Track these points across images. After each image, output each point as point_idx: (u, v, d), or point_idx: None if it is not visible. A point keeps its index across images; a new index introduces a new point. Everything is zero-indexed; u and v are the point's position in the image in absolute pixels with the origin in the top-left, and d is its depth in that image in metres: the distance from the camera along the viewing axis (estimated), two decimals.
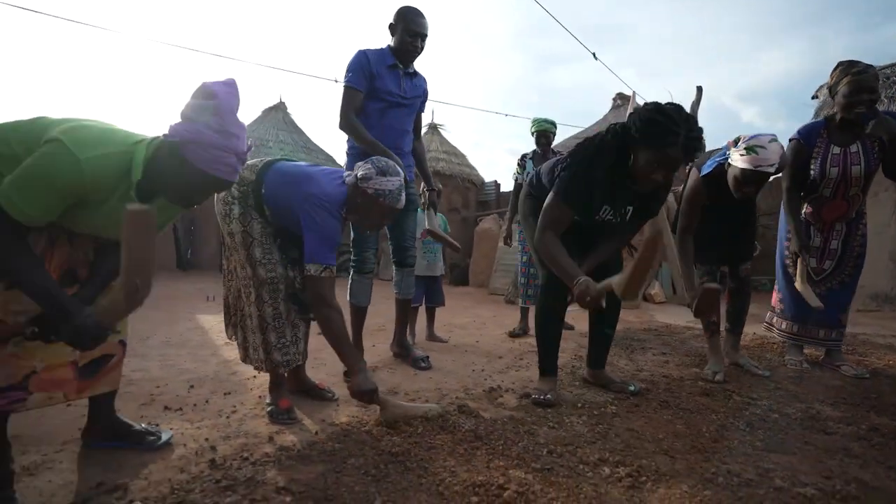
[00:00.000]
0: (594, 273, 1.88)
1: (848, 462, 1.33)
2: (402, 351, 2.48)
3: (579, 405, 1.78)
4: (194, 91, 1.08)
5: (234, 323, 1.80)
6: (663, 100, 1.51)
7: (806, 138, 2.15)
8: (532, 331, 3.24)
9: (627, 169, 1.58)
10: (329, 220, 1.53)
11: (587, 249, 1.88)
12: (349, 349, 1.57)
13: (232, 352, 2.54)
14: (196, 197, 1.14)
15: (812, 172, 2.13)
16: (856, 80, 1.99)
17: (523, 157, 3.26)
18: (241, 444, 1.37)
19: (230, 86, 1.10)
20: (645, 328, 3.46)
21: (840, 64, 2.10)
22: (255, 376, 2.08)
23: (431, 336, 3.10)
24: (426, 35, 2.21)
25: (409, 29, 2.16)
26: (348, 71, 2.14)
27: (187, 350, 2.59)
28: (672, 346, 2.85)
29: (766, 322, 2.46)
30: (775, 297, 2.40)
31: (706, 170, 1.97)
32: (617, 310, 1.97)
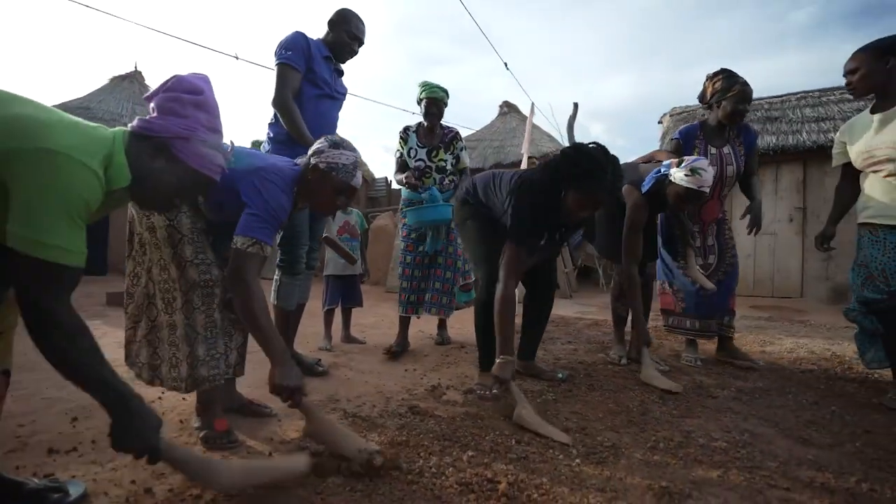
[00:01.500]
0: (526, 276, 2.07)
1: (734, 417, 1.68)
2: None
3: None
4: (167, 84, 1.00)
5: (139, 338, 1.49)
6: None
7: (685, 139, 2.35)
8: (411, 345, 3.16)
9: (559, 202, 1.71)
10: (276, 195, 1.37)
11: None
12: (272, 335, 1.30)
13: None
14: (175, 200, 1.07)
15: None
16: (742, 91, 2.19)
17: (406, 129, 2.72)
18: (183, 481, 1.15)
19: (208, 81, 1.06)
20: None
21: (723, 72, 2.26)
22: (159, 397, 1.75)
23: (348, 338, 2.97)
24: (363, 42, 2.26)
25: (350, 32, 2.19)
26: (286, 49, 2.00)
27: (43, 373, 2.03)
28: (574, 335, 3.21)
29: (668, 325, 2.46)
30: (669, 299, 2.45)
31: (646, 187, 2.15)
32: (550, 304, 2.15)
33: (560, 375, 2.10)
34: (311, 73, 2.04)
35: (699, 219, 2.41)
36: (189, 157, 0.98)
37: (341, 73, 2.27)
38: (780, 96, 5.68)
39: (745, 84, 2.22)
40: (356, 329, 3.30)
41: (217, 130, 1.03)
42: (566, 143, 7.59)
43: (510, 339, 1.71)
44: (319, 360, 2.31)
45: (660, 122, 6.30)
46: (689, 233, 2.35)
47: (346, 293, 2.97)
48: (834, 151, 2.01)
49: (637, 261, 2.18)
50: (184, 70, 1.06)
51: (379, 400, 1.83)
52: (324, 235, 2.41)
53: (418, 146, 2.65)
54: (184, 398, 1.75)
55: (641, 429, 1.55)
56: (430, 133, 2.67)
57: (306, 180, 1.46)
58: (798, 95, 5.70)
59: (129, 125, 0.98)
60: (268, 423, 1.57)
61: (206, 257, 1.39)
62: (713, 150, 2.31)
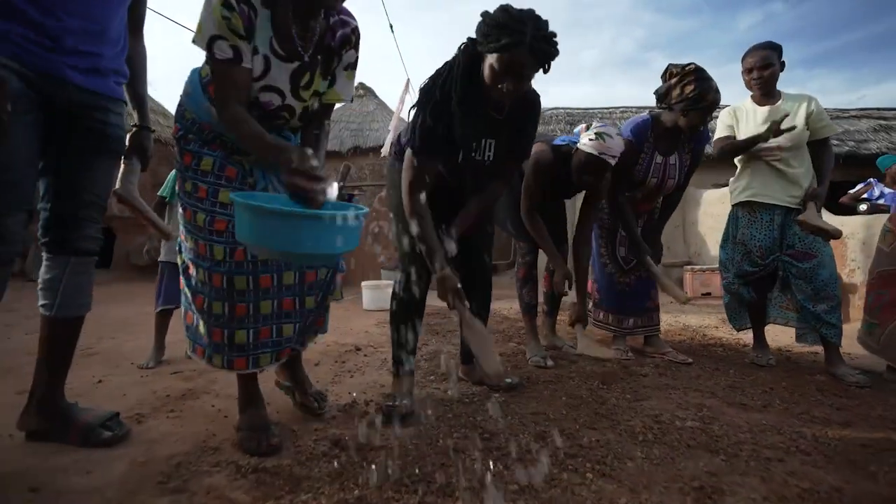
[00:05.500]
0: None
1: (678, 393, 1.66)
2: (55, 422, 1.26)
3: (467, 401, 1.58)
4: None
5: None
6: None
7: (637, 139, 2.02)
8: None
9: (482, 91, 1.33)
10: None
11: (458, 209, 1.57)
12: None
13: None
14: None
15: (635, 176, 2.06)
16: (714, 100, 1.84)
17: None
18: None
19: None
20: (429, 312, 3.55)
21: (696, 72, 1.85)
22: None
23: None
24: None
25: None
26: None
27: None
28: None
29: (593, 321, 2.31)
30: (591, 285, 2.34)
31: (557, 142, 1.98)
32: (489, 292, 1.84)
33: (509, 380, 1.73)
34: None
35: (637, 209, 2.20)
36: None
37: None
38: (608, 108, 6.76)
39: (718, 91, 1.85)
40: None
41: None
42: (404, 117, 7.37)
43: (436, 244, 1.38)
44: (114, 415, 1.31)
45: None
46: (633, 235, 2.09)
47: None
48: (725, 123, 2.10)
49: (536, 213, 2.00)
50: None
51: (283, 438, 1.27)
52: (116, 190, 1.37)
53: (274, 51, 1.12)
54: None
55: (614, 421, 1.40)
56: (302, 21, 1.12)
57: None
58: (621, 109, 6.85)
59: None
60: None
61: None
62: (659, 160, 2.04)
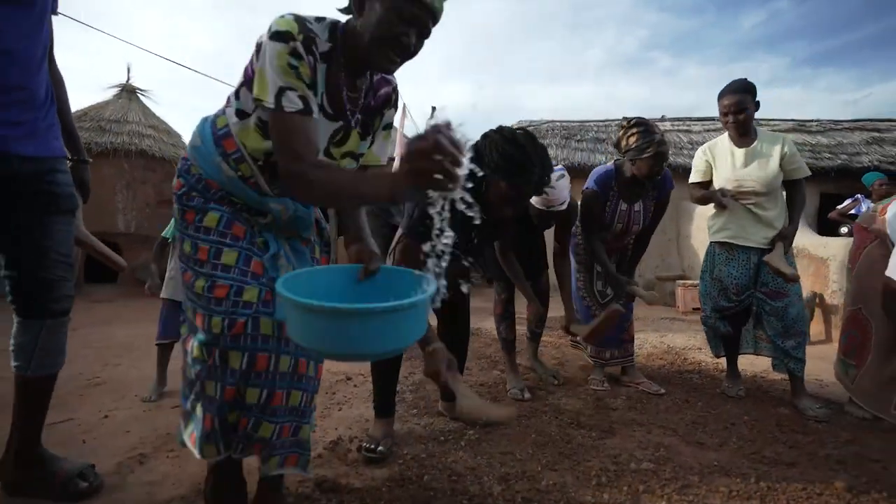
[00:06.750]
0: None
1: (641, 430, 1.78)
2: (34, 473, 1.29)
3: (442, 439, 1.69)
4: None
5: None
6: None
7: (602, 189, 2.13)
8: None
9: (477, 195, 1.42)
10: None
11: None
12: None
13: None
14: None
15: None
16: (658, 153, 1.95)
17: (310, 36, 0.95)
18: None
19: None
20: None
21: (638, 125, 2.01)
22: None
23: None
24: None
25: None
26: None
27: None
28: None
29: (573, 341, 2.59)
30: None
31: None
32: (467, 329, 1.96)
33: (485, 418, 1.81)
34: None
35: (608, 248, 2.30)
36: None
37: None
38: (605, 121, 6.81)
39: (662, 142, 1.97)
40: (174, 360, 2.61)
41: None
42: None
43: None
44: (90, 466, 1.35)
45: None
46: (612, 275, 2.17)
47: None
48: (698, 168, 2.24)
49: (508, 244, 2.08)
50: None
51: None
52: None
53: (322, 108, 1.01)
54: None
55: (575, 461, 1.51)
56: (353, 80, 1.05)
57: None
58: (617, 122, 6.89)
59: None
60: None
61: None
62: (623, 206, 2.17)
